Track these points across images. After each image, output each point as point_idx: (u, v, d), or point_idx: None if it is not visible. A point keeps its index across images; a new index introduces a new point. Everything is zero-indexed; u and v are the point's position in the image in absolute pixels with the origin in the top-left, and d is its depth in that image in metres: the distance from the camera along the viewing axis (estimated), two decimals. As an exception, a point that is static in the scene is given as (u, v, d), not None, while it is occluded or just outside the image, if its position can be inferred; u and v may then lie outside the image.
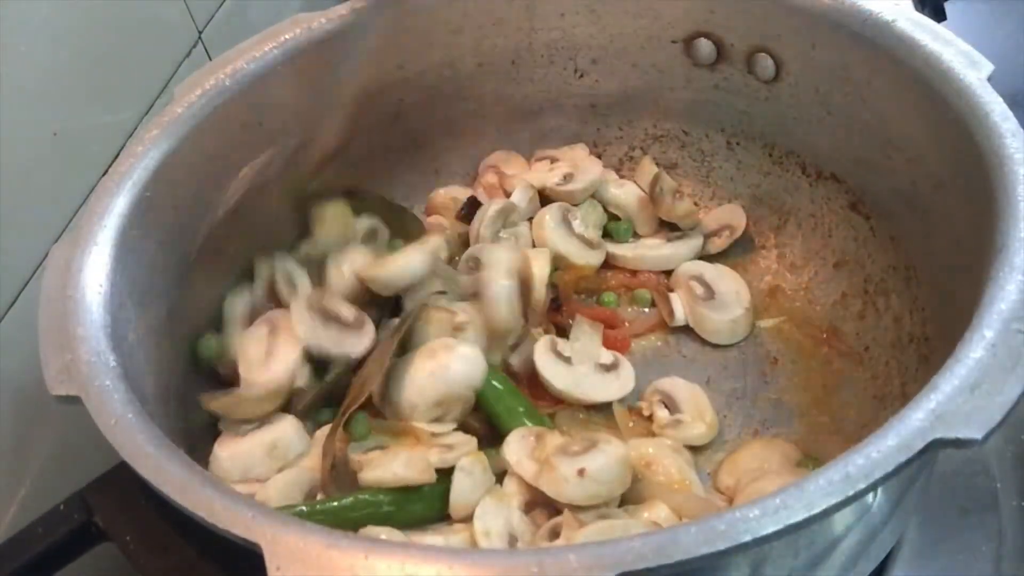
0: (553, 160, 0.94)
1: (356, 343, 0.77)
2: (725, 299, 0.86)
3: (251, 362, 0.76)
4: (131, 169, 0.73)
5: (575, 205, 0.91)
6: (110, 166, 0.75)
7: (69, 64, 0.80)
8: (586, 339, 0.82)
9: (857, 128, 0.79)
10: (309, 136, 0.86)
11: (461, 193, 0.94)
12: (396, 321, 0.79)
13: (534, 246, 0.88)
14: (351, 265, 0.82)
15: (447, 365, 0.73)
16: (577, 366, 0.80)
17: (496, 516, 0.66)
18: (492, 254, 0.81)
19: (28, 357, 0.64)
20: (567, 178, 0.91)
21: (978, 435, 0.49)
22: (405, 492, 0.67)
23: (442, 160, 0.97)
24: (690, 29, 0.86)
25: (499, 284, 0.79)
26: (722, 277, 0.88)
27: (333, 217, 0.87)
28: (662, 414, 0.79)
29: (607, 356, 0.81)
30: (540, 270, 0.84)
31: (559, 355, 0.79)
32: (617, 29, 0.89)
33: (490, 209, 0.88)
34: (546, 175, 0.92)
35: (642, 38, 0.89)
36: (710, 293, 0.86)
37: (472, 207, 0.90)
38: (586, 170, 0.92)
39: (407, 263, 0.80)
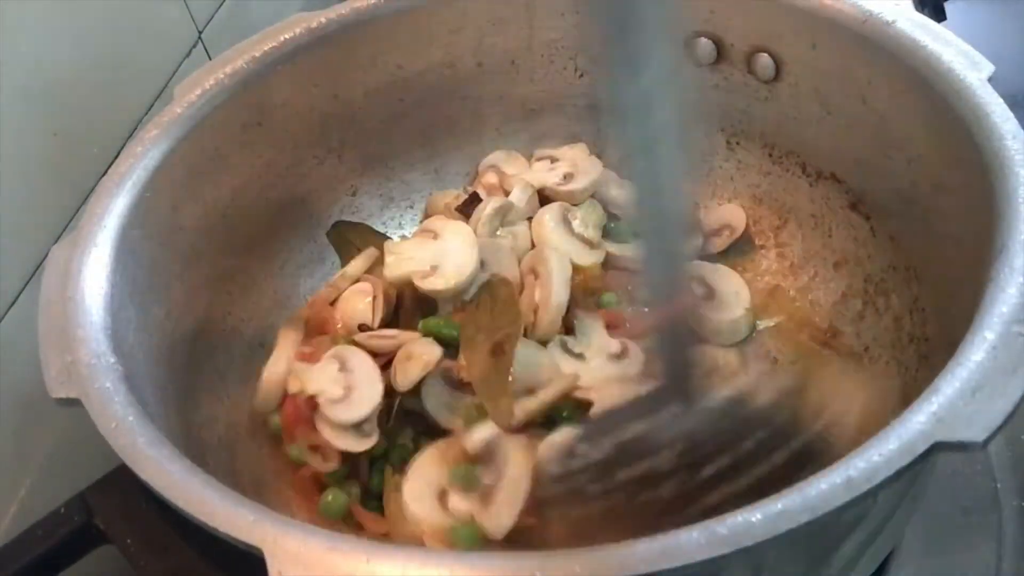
0: (553, 160, 0.94)
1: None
2: (725, 299, 0.86)
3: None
4: (131, 169, 0.73)
5: (575, 205, 0.91)
6: (110, 166, 0.75)
7: (69, 64, 0.80)
8: (592, 332, 0.82)
9: (857, 128, 0.79)
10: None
11: (461, 196, 0.94)
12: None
13: (533, 246, 0.88)
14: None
15: None
16: (591, 360, 0.80)
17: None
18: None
19: (28, 358, 0.64)
20: (567, 178, 0.91)
21: (979, 438, 0.49)
22: None
23: (442, 160, 0.96)
24: (690, 29, 0.86)
25: (559, 295, 0.80)
26: (722, 277, 0.88)
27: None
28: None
29: (615, 345, 0.81)
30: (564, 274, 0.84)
31: (572, 353, 0.80)
32: (617, 29, 0.89)
33: (487, 207, 0.87)
34: (546, 175, 0.92)
35: (642, 38, 0.89)
36: (710, 293, 0.86)
37: (473, 202, 0.90)
38: (586, 170, 0.91)
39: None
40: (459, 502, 0.70)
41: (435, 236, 0.84)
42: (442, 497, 0.70)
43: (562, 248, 0.86)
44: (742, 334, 0.85)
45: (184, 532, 0.62)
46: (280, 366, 0.78)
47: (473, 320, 0.78)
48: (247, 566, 0.50)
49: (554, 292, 0.81)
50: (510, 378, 0.74)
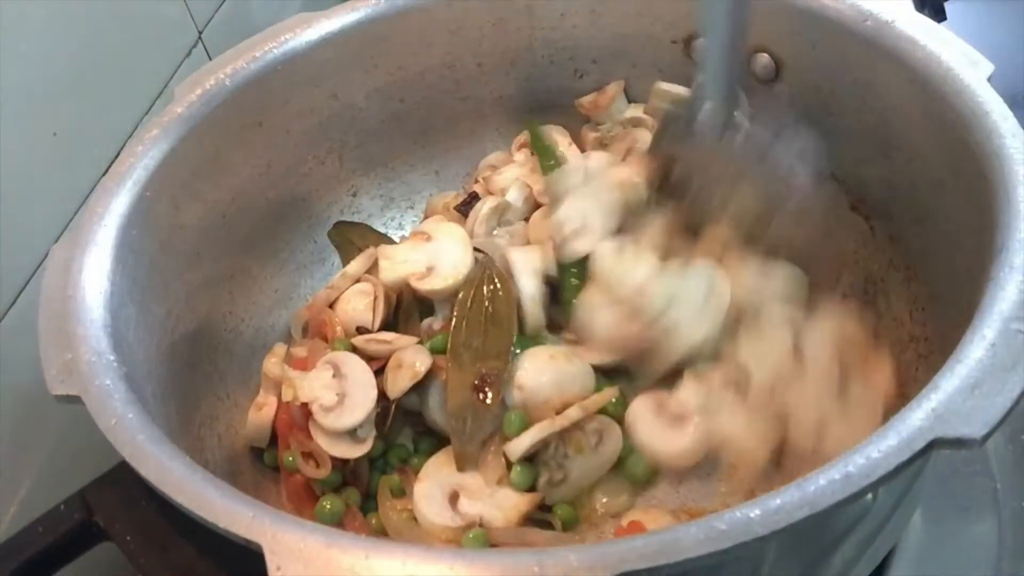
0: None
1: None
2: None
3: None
4: (131, 169, 0.73)
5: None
6: (110, 166, 0.75)
7: (69, 64, 0.80)
8: None
9: (857, 128, 0.79)
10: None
11: (461, 196, 0.93)
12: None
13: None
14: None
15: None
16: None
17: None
18: (516, 254, 0.81)
19: (28, 357, 0.64)
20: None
21: (978, 435, 0.49)
22: None
23: (442, 160, 0.97)
24: (690, 29, 0.86)
25: (529, 284, 0.79)
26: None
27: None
28: None
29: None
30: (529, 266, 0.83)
31: None
32: (617, 29, 0.89)
33: (484, 207, 0.87)
34: (529, 176, 0.90)
35: (642, 38, 0.89)
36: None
37: (471, 202, 0.90)
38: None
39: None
40: (468, 505, 0.70)
41: (428, 238, 0.84)
42: (452, 499, 0.71)
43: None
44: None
45: (184, 529, 0.62)
46: (266, 410, 0.79)
47: (464, 333, 0.77)
48: (247, 562, 0.50)
49: (523, 286, 0.80)
50: (485, 438, 0.74)
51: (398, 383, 0.74)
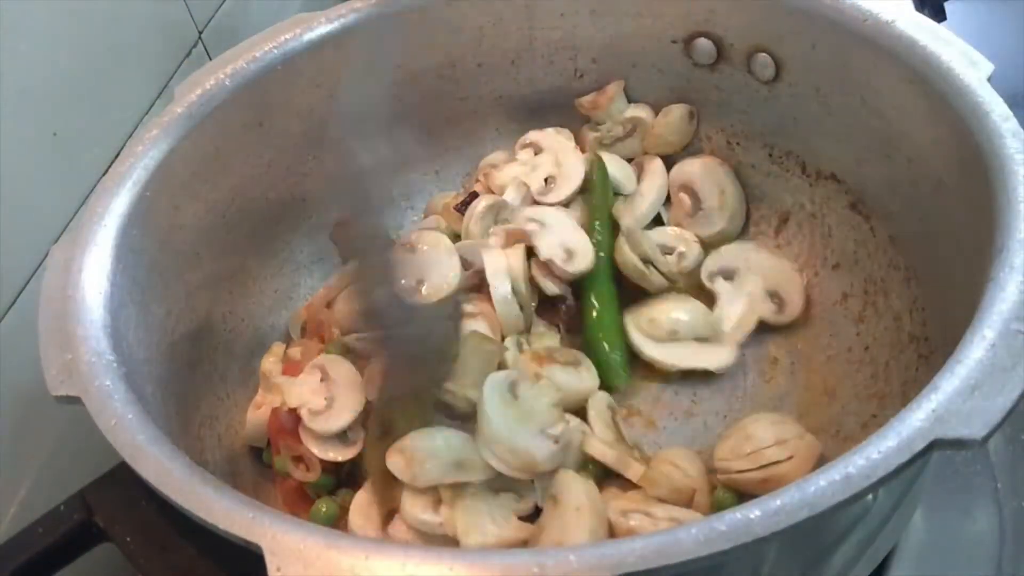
0: (537, 150, 0.92)
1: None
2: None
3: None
4: (131, 169, 0.73)
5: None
6: (110, 166, 0.75)
7: (69, 64, 0.80)
8: None
9: (857, 128, 0.79)
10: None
11: (460, 196, 0.93)
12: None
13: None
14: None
15: None
16: None
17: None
18: (488, 256, 0.81)
19: (28, 357, 0.64)
20: (549, 182, 0.89)
21: (978, 435, 0.49)
22: None
23: (442, 160, 0.97)
24: (690, 29, 0.86)
25: (501, 287, 0.79)
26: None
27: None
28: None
29: None
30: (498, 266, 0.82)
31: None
32: (617, 29, 0.89)
33: (479, 205, 0.87)
34: (530, 176, 0.90)
35: (642, 38, 0.89)
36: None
37: (471, 202, 0.90)
38: (568, 174, 0.89)
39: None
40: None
41: (412, 248, 0.84)
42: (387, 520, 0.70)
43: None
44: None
45: (183, 529, 0.62)
46: (264, 409, 0.78)
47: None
48: (247, 562, 0.50)
49: (494, 287, 0.80)
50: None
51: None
